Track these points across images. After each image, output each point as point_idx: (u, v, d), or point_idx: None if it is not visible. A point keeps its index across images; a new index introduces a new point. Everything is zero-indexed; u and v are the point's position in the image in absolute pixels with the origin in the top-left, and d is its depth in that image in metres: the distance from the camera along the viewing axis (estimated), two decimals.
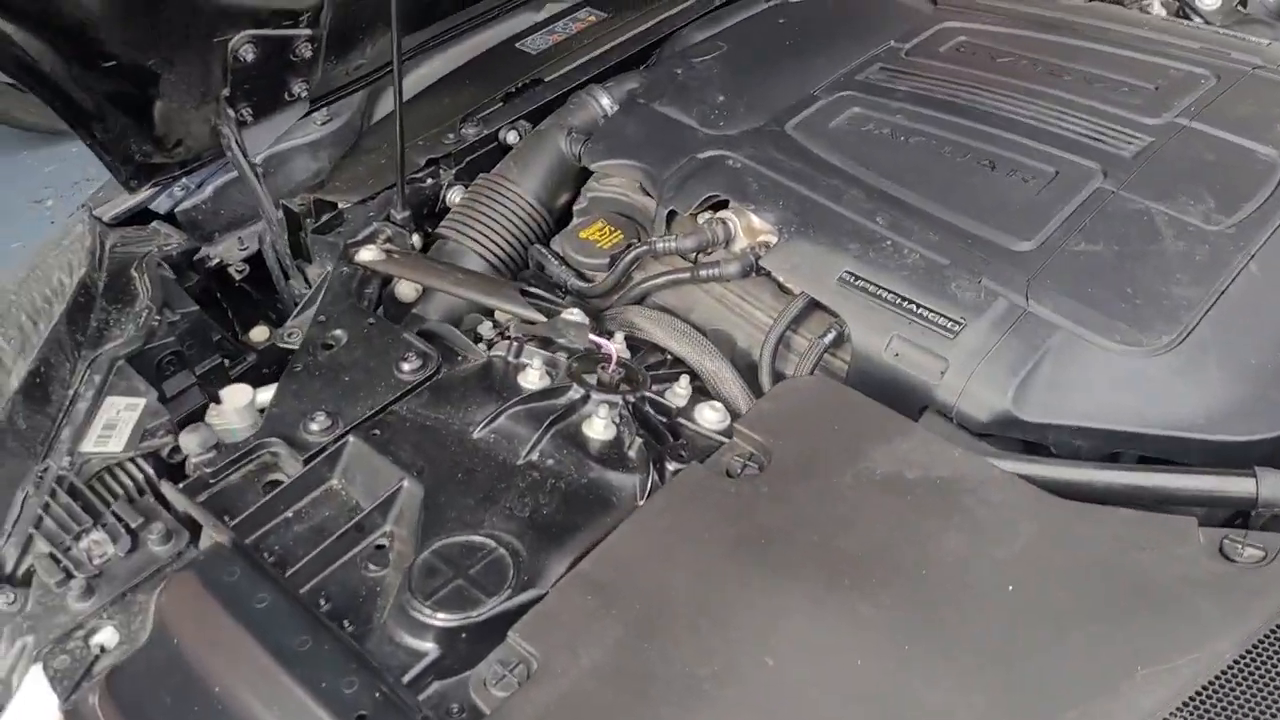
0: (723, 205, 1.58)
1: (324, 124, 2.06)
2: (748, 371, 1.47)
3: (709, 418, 1.34)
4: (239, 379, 1.59)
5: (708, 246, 1.54)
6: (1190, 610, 1.04)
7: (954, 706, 0.99)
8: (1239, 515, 1.20)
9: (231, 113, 1.74)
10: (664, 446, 1.31)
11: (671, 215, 1.60)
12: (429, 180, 1.87)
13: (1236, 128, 1.57)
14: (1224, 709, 0.96)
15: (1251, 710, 0.96)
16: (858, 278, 1.40)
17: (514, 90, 2.07)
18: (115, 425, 1.44)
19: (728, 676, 1.02)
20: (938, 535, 1.13)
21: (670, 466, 1.29)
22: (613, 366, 1.38)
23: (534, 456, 1.29)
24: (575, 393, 1.34)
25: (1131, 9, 2.08)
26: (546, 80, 2.08)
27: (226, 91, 1.73)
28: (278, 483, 1.33)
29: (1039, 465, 1.22)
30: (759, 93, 1.75)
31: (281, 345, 1.66)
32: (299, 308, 1.71)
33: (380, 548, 1.25)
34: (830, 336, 1.40)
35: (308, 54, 1.80)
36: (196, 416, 1.50)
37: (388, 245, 1.70)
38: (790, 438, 1.25)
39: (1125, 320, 1.30)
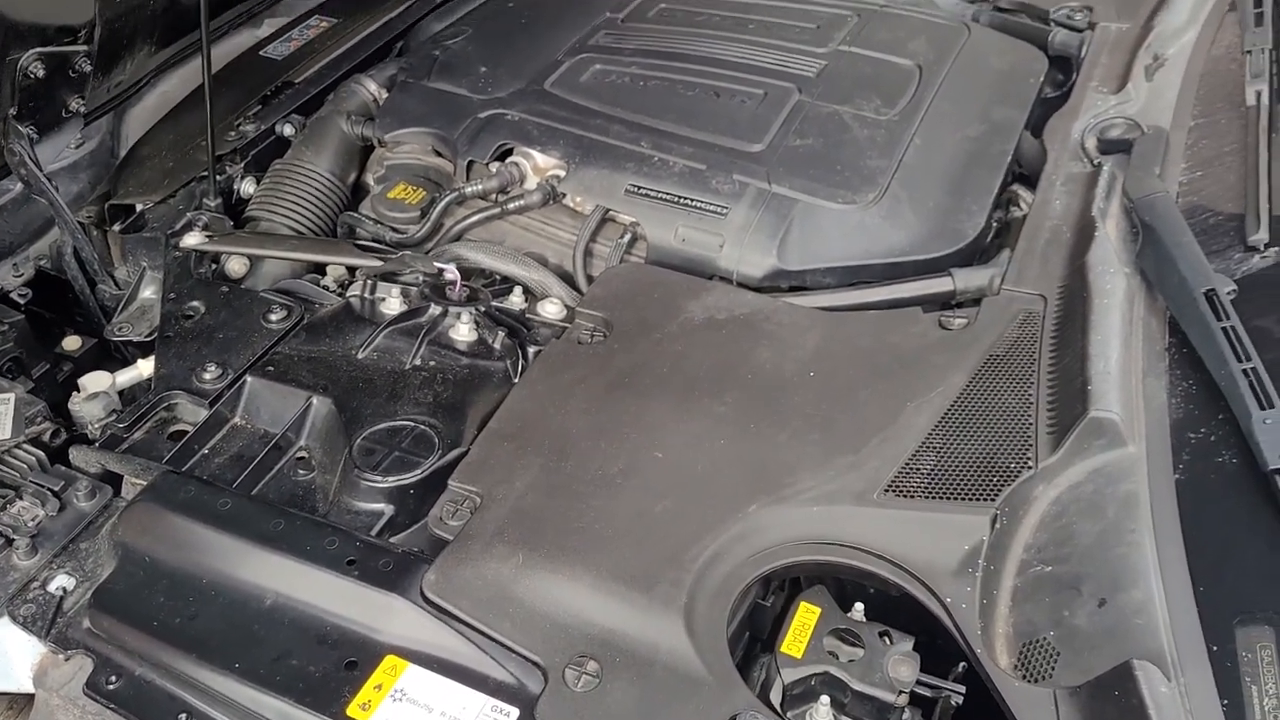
0: (509, 153, 1.87)
1: (78, 147, 2.14)
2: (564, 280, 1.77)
3: (550, 310, 1.63)
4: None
5: (509, 186, 1.82)
6: (931, 363, 1.46)
7: (800, 454, 1.35)
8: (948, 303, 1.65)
9: (22, 130, 1.81)
10: (521, 337, 1.59)
11: (470, 166, 1.87)
12: (219, 176, 2.01)
13: (881, 49, 2.07)
14: (967, 414, 1.38)
15: (979, 410, 1.38)
16: (640, 188, 1.75)
17: (270, 93, 2.24)
18: None
19: (632, 470, 1.33)
20: (753, 351, 1.50)
21: (530, 349, 1.57)
22: (459, 287, 1.64)
23: (418, 362, 1.52)
24: (435, 309, 1.59)
25: None
26: (298, 80, 2.27)
27: (14, 110, 1.80)
28: (182, 433, 1.47)
29: (811, 296, 1.63)
30: (513, 62, 2.05)
31: (115, 338, 1.76)
32: (123, 303, 1.82)
33: (301, 459, 1.44)
34: (628, 237, 1.73)
35: (86, 68, 1.89)
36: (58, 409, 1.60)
37: (207, 231, 1.84)
38: (623, 309, 1.57)
39: (841, 187, 1.73)
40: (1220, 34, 2.12)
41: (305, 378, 1.49)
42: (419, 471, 1.34)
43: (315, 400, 1.45)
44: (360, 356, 1.53)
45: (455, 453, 1.37)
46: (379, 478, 1.32)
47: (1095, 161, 1.77)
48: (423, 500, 1.33)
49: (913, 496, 1.30)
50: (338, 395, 1.45)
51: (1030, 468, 1.31)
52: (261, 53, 2.40)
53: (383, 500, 1.33)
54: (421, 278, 1.68)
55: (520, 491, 1.30)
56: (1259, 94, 1.74)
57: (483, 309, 1.60)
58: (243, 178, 2.02)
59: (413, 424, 1.40)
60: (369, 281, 1.64)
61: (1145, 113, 1.87)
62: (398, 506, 1.33)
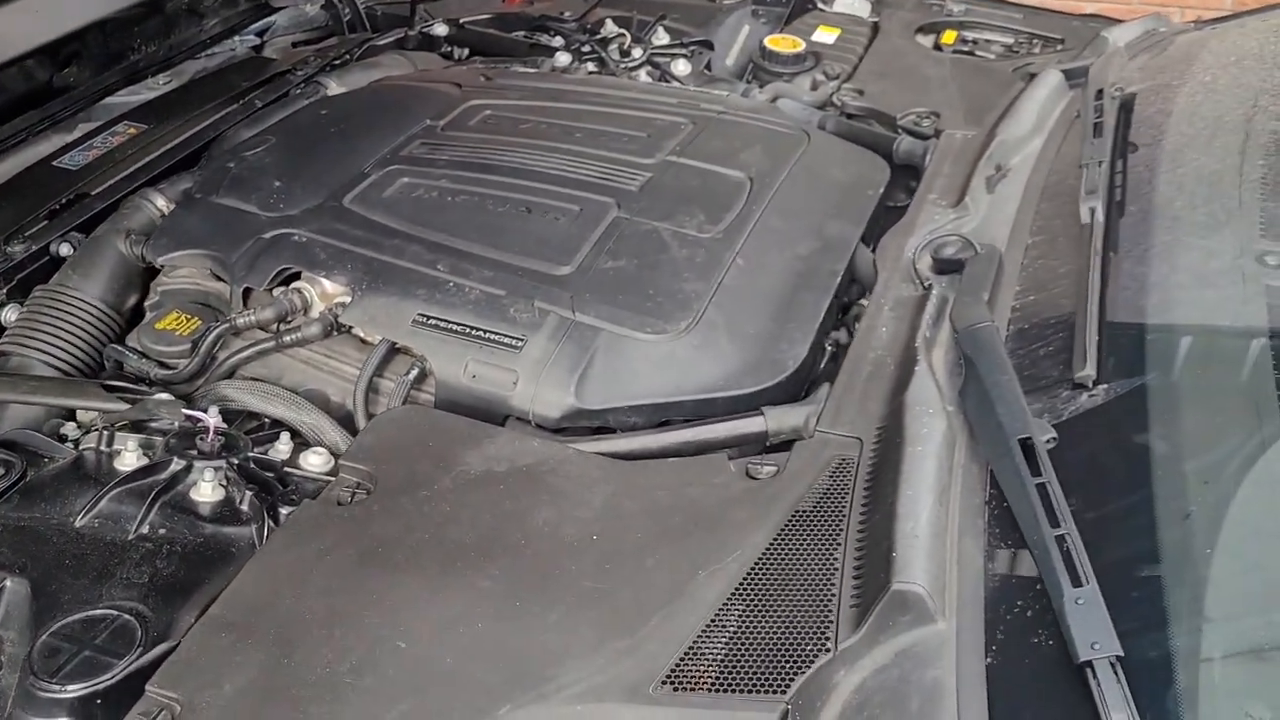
0: (295, 277, 1.69)
1: None
2: (345, 422, 1.58)
3: (314, 462, 1.44)
4: None
5: (287, 315, 1.64)
6: (730, 521, 1.30)
7: (570, 638, 1.16)
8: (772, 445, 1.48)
9: None
10: (275, 495, 1.39)
11: (247, 293, 1.68)
12: None
13: (712, 159, 1.94)
14: (764, 584, 1.22)
15: (777, 579, 1.22)
16: (429, 318, 1.58)
17: (58, 206, 2.04)
18: None
19: (367, 666, 1.13)
20: (531, 511, 1.32)
21: (283, 511, 1.37)
22: (211, 436, 1.44)
23: (144, 530, 1.32)
24: (177, 464, 1.38)
25: (621, 78, 2.46)
26: (93, 193, 2.07)
27: None
28: None
29: (605, 442, 1.45)
30: (313, 175, 1.89)
31: None
32: None
33: None
34: (413, 373, 1.55)
35: None
36: None
37: None
38: (391, 462, 1.39)
39: (652, 315, 1.58)
40: (1066, 143, 2.03)
41: (3, 554, 1.27)
42: (109, 675, 1.12)
43: (9, 583, 1.23)
44: (78, 524, 1.32)
45: (162, 648, 1.16)
46: (57, 686, 1.10)
47: (926, 284, 1.65)
48: (116, 711, 1.11)
49: (693, 689, 1.12)
50: (37, 576, 1.24)
51: (829, 650, 1.14)
52: (55, 162, 2.20)
53: (63, 713, 1.10)
54: (178, 424, 1.48)
55: (229, 698, 1.09)
56: (1093, 211, 1.64)
57: (235, 462, 1.40)
58: (4, 305, 1.80)
59: (115, 613, 1.19)
60: (105, 431, 1.43)
61: (983, 229, 1.76)
62: None
